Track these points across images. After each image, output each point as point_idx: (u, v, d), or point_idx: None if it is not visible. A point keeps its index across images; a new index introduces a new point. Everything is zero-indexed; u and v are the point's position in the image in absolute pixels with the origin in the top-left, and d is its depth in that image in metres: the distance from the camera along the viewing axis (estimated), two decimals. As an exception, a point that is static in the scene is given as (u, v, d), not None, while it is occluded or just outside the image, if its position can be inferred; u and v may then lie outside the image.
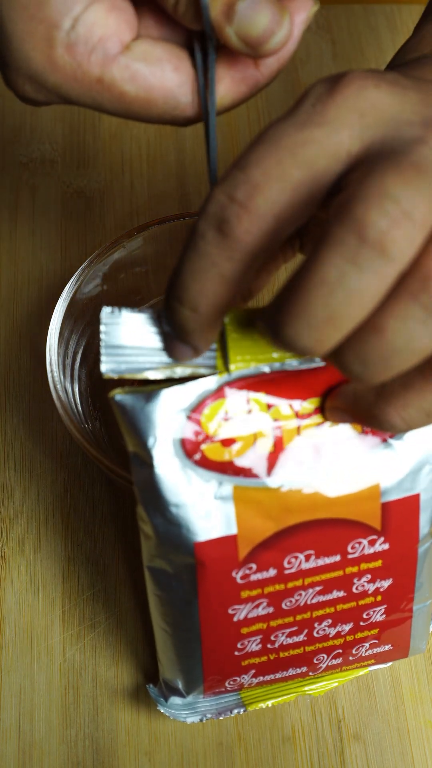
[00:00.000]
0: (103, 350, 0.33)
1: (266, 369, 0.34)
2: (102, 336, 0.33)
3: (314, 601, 0.37)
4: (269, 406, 0.34)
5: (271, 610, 0.37)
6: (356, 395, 0.32)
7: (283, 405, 0.34)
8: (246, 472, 0.34)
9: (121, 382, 0.52)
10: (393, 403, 0.31)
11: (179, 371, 0.34)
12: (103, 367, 0.33)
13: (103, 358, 0.33)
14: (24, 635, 0.47)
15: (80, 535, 0.50)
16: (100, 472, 0.51)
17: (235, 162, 0.29)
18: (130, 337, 0.33)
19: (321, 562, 0.36)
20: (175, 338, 0.32)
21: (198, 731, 0.45)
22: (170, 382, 0.34)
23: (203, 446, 0.34)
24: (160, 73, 0.33)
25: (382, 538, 0.36)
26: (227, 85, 0.34)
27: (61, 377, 0.47)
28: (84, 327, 0.50)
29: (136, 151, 0.62)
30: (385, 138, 0.29)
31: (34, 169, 0.61)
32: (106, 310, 0.33)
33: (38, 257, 0.57)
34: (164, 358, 0.33)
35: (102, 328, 0.33)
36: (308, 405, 0.34)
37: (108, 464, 0.44)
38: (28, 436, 0.52)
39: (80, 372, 0.50)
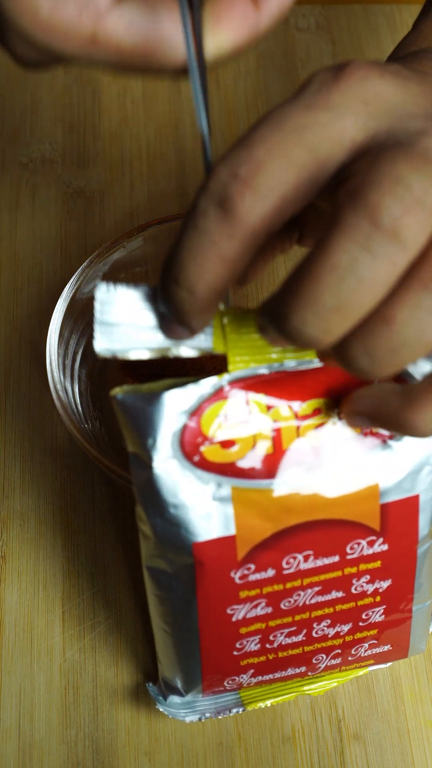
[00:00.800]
0: (96, 327, 0.32)
1: (265, 370, 0.34)
2: (95, 313, 0.32)
3: (313, 601, 0.37)
4: (269, 408, 0.34)
5: (269, 610, 0.37)
6: (380, 399, 0.32)
7: (282, 406, 0.34)
8: (245, 474, 0.34)
9: (122, 381, 0.52)
10: (422, 408, 0.30)
11: (174, 351, 0.33)
12: (96, 345, 0.32)
13: (96, 336, 0.32)
14: (24, 635, 0.47)
15: (80, 535, 0.50)
16: (100, 472, 0.51)
17: (239, 140, 0.29)
18: (125, 315, 0.32)
19: (320, 562, 0.36)
20: (171, 319, 0.31)
21: (198, 731, 0.45)
22: (171, 383, 0.34)
23: (203, 448, 0.34)
24: (156, 20, 0.31)
25: (381, 539, 0.36)
26: (224, 29, 0.31)
27: (61, 377, 0.47)
28: (84, 327, 0.50)
29: (136, 151, 0.62)
30: (389, 129, 0.28)
31: (34, 169, 0.61)
32: (101, 287, 0.32)
33: (38, 257, 0.57)
34: (159, 337, 0.32)
35: (96, 305, 0.32)
36: (308, 406, 0.34)
37: (108, 464, 0.44)
38: (28, 436, 0.52)
39: (80, 372, 0.50)
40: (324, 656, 0.41)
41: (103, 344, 0.32)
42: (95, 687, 0.46)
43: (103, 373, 0.52)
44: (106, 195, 0.60)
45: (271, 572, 0.36)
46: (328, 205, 0.29)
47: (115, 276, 0.51)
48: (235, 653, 0.39)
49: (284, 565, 0.36)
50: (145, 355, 0.32)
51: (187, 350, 0.33)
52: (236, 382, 0.34)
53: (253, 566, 0.36)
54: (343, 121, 0.28)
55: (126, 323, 0.32)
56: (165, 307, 0.31)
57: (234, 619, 0.37)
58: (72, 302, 0.48)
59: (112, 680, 0.46)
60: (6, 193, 0.60)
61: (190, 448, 0.34)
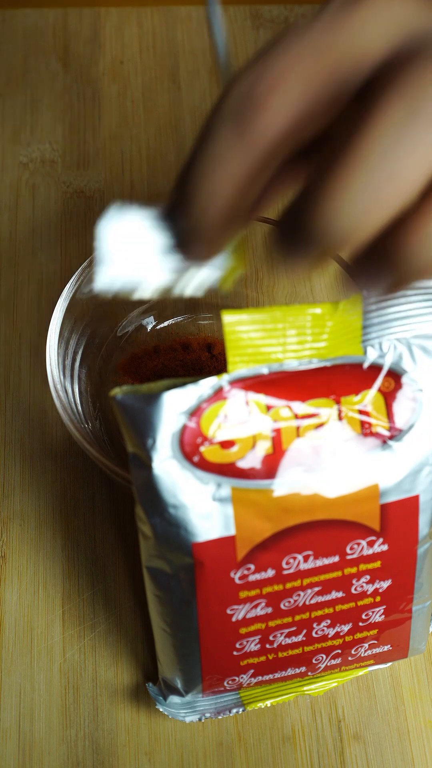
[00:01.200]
0: (97, 263, 0.31)
1: (265, 370, 0.34)
2: (97, 246, 0.30)
3: (313, 601, 0.37)
4: (268, 408, 0.34)
5: (269, 610, 0.37)
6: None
7: (282, 406, 0.34)
8: (245, 474, 0.34)
9: (122, 382, 0.52)
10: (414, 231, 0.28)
11: (179, 288, 0.31)
12: (96, 284, 0.31)
13: (97, 273, 0.31)
14: (24, 635, 0.47)
15: (80, 535, 0.50)
16: (100, 472, 0.51)
17: (255, 56, 0.28)
18: (127, 246, 0.31)
19: (320, 562, 0.36)
20: (180, 244, 0.30)
21: (198, 731, 0.45)
22: (170, 383, 0.34)
23: (202, 448, 0.34)
24: None
25: (381, 539, 0.36)
26: None
27: (61, 377, 0.47)
28: (84, 327, 0.50)
29: (136, 151, 0.62)
30: (412, 47, 0.27)
31: (34, 169, 0.61)
32: (107, 214, 0.30)
33: (38, 257, 0.57)
34: (163, 273, 0.31)
35: (98, 236, 0.30)
36: (307, 406, 0.34)
37: (108, 464, 0.44)
38: (28, 436, 0.52)
39: (80, 372, 0.50)
40: (324, 656, 0.41)
41: (103, 282, 0.31)
42: (95, 687, 0.46)
43: (103, 373, 0.52)
44: (106, 195, 0.60)
45: (270, 572, 0.36)
46: (344, 130, 0.28)
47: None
48: (234, 653, 0.39)
49: (284, 566, 0.36)
50: (147, 293, 0.31)
51: (192, 288, 0.31)
52: (236, 383, 0.34)
53: (252, 566, 0.36)
54: (366, 40, 0.27)
55: (129, 258, 0.31)
56: (174, 230, 0.29)
57: (234, 619, 0.37)
58: (72, 302, 0.48)
59: (112, 680, 0.46)
60: (6, 193, 0.60)
61: (190, 448, 0.34)
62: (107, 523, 0.50)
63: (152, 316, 0.54)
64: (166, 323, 0.54)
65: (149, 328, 0.54)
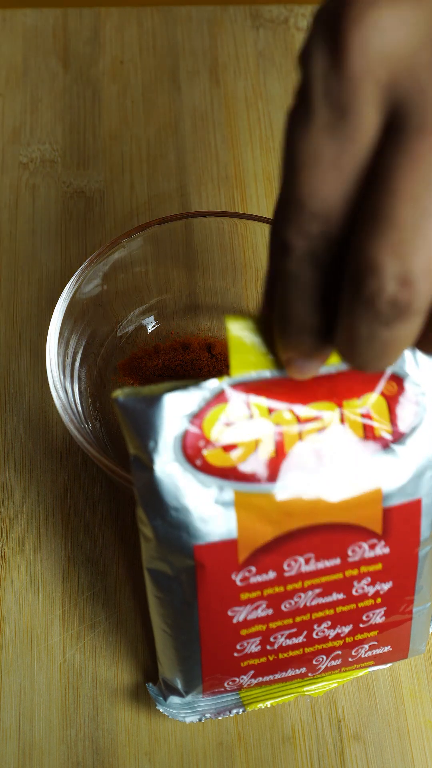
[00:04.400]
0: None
1: (267, 374, 0.34)
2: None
3: (314, 603, 0.37)
4: (270, 411, 0.34)
5: (270, 612, 0.37)
6: None
7: (284, 409, 0.34)
8: (247, 478, 0.34)
9: (123, 382, 0.52)
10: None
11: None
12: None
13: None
14: (24, 635, 0.47)
15: (80, 535, 0.50)
16: (100, 472, 0.51)
17: (285, 193, 0.29)
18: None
19: (321, 565, 0.36)
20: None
21: (198, 731, 0.45)
22: (172, 386, 0.34)
23: (204, 451, 0.34)
24: None
25: (382, 542, 0.36)
26: None
27: (61, 377, 0.47)
28: (84, 327, 0.50)
29: (136, 151, 0.62)
30: (405, 88, 0.27)
31: (34, 169, 0.61)
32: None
33: (38, 257, 0.57)
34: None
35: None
36: (309, 409, 0.34)
37: (108, 464, 0.44)
38: (28, 436, 0.52)
39: (80, 372, 0.50)
40: (324, 657, 0.41)
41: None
42: (95, 687, 0.46)
43: (103, 373, 0.52)
44: (106, 195, 0.60)
45: (272, 574, 0.36)
46: None
47: (115, 276, 0.51)
48: (235, 654, 0.39)
49: (285, 568, 0.36)
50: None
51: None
52: (238, 386, 0.34)
53: (254, 569, 0.36)
54: (365, 116, 0.27)
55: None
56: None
57: (235, 620, 0.37)
58: (72, 302, 0.48)
59: (112, 680, 0.46)
60: (6, 193, 0.60)
61: (192, 451, 0.34)
62: (107, 523, 0.50)
63: (152, 316, 0.54)
64: (166, 323, 0.54)
65: (149, 328, 0.54)
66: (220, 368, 0.53)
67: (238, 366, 0.33)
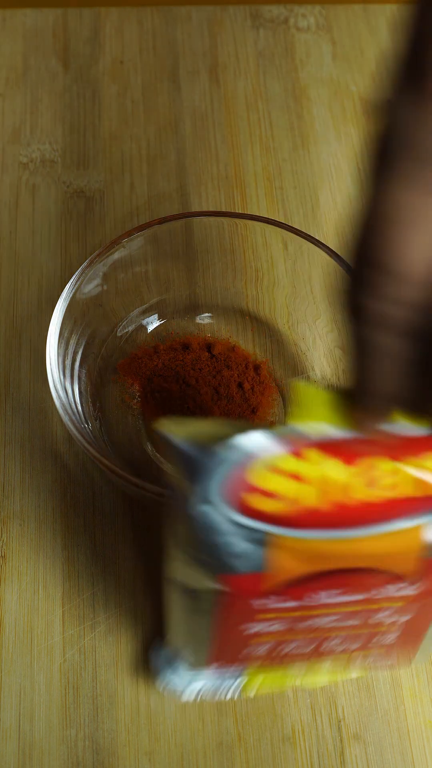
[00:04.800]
0: None
1: (322, 428, 0.33)
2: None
3: (328, 626, 0.37)
4: (318, 462, 0.33)
5: (284, 627, 0.37)
6: None
7: (332, 463, 0.33)
8: (286, 523, 0.33)
9: (123, 382, 0.52)
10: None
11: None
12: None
13: None
14: (24, 635, 0.47)
15: (80, 535, 0.50)
16: (100, 472, 0.51)
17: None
18: None
19: (343, 599, 0.36)
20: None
21: (198, 731, 0.45)
22: (221, 430, 0.33)
23: (246, 495, 0.33)
24: None
25: (413, 586, 0.36)
26: None
27: (61, 377, 0.47)
28: (84, 327, 0.50)
29: (136, 151, 0.62)
30: None
31: (34, 169, 0.61)
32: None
33: (38, 257, 0.57)
34: None
35: None
36: (359, 465, 0.34)
37: (108, 464, 0.44)
38: (28, 436, 0.52)
39: (80, 372, 0.50)
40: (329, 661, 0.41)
41: None
42: (95, 687, 0.46)
43: (103, 373, 0.52)
44: (106, 195, 0.60)
45: (292, 603, 0.36)
46: None
47: (115, 276, 0.51)
48: (243, 653, 0.39)
49: (307, 599, 0.36)
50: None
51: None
52: (289, 436, 0.33)
53: (275, 597, 0.35)
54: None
55: None
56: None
57: (246, 633, 0.37)
58: (72, 302, 0.48)
59: (112, 680, 0.46)
60: (6, 193, 0.60)
61: (233, 494, 0.33)
62: (107, 523, 0.50)
63: (152, 316, 0.54)
64: (166, 323, 0.54)
65: (149, 328, 0.54)
66: (220, 368, 0.53)
67: (294, 415, 0.33)
